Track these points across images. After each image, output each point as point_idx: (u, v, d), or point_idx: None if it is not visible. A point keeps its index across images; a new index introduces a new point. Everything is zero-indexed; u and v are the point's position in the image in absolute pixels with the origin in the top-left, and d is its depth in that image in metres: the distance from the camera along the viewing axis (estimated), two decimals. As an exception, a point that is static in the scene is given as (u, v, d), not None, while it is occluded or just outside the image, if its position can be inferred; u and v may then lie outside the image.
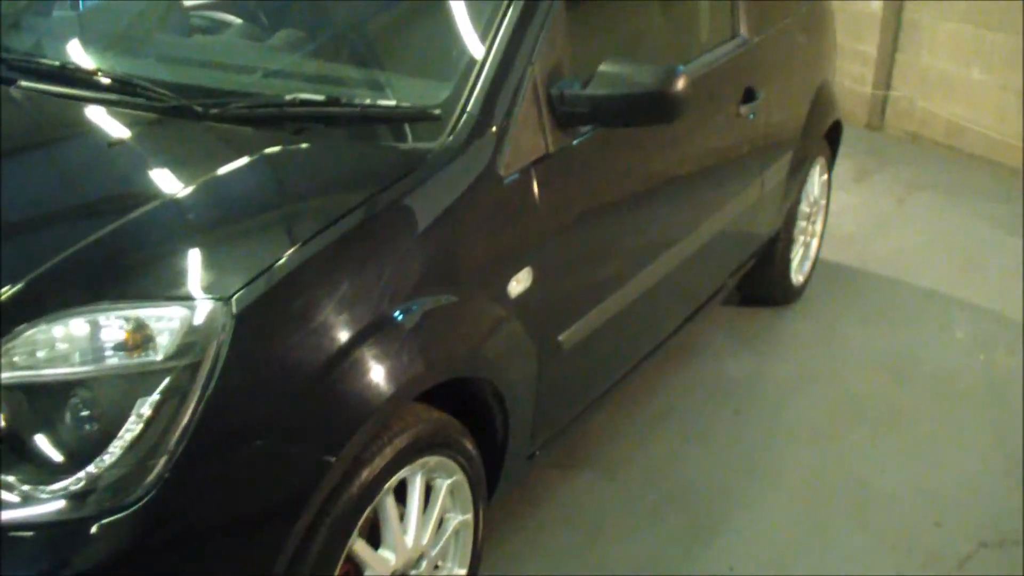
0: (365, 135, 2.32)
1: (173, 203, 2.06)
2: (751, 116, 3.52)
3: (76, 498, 1.69)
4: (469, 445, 2.32)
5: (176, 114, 2.36)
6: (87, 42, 2.78)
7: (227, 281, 1.85)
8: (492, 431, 2.45)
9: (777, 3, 3.92)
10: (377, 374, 1.98)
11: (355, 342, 1.96)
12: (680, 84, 2.44)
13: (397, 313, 2.06)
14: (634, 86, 2.43)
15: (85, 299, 1.81)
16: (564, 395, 2.76)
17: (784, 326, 4.47)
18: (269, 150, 2.24)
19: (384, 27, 2.75)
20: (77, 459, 1.72)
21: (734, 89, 3.44)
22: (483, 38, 2.45)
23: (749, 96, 3.50)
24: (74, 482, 1.70)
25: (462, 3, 2.58)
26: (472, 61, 2.41)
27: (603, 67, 2.45)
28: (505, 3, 2.49)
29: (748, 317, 4.49)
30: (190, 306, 1.80)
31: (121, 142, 2.32)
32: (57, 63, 2.59)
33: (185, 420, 1.74)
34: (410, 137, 2.30)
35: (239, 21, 2.97)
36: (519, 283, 2.36)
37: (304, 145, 2.29)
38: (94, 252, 1.91)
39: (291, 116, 2.34)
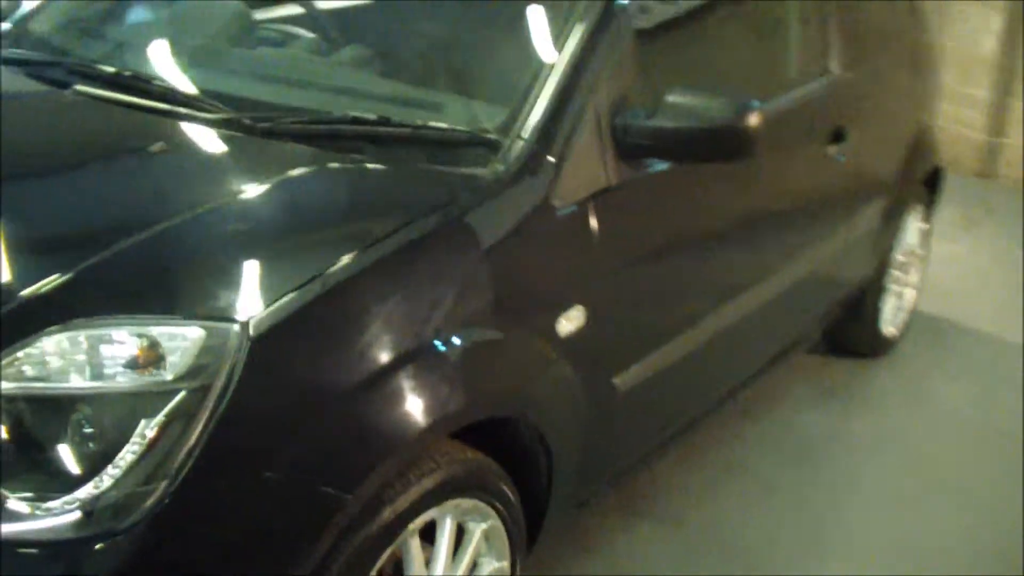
0: (415, 157, 2.23)
1: (204, 217, 1.98)
2: (839, 157, 3.35)
3: (72, 518, 1.61)
4: (507, 490, 2.19)
5: (226, 127, 2.29)
6: (150, 51, 2.73)
7: (249, 302, 1.78)
8: (536, 475, 2.32)
9: (874, 40, 3.74)
10: (403, 409, 1.88)
11: (381, 375, 1.86)
12: (754, 120, 2.31)
13: (432, 346, 1.96)
14: (702, 119, 2.30)
15: (100, 311, 1.74)
16: (618, 442, 2.62)
17: (870, 379, 4.26)
18: (311, 168, 2.16)
19: (451, 48, 2.66)
20: (76, 477, 1.64)
21: (821, 128, 3.28)
22: (545, 63, 2.34)
23: (838, 136, 3.34)
24: (71, 501, 1.62)
25: (527, 26, 2.47)
26: (531, 86, 2.30)
27: (669, 97, 2.32)
28: (570, 28, 2.38)
29: (833, 368, 4.30)
30: (206, 326, 1.72)
31: (164, 152, 2.26)
32: (113, 69, 2.54)
33: (190, 444, 1.66)
34: (461, 161, 2.20)
35: (309, 35, 2.91)
36: (570, 321, 2.23)
37: (349, 165, 2.20)
38: (116, 263, 1.84)
39: (341, 134, 2.26)
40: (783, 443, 3.71)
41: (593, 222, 2.28)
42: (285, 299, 1.78)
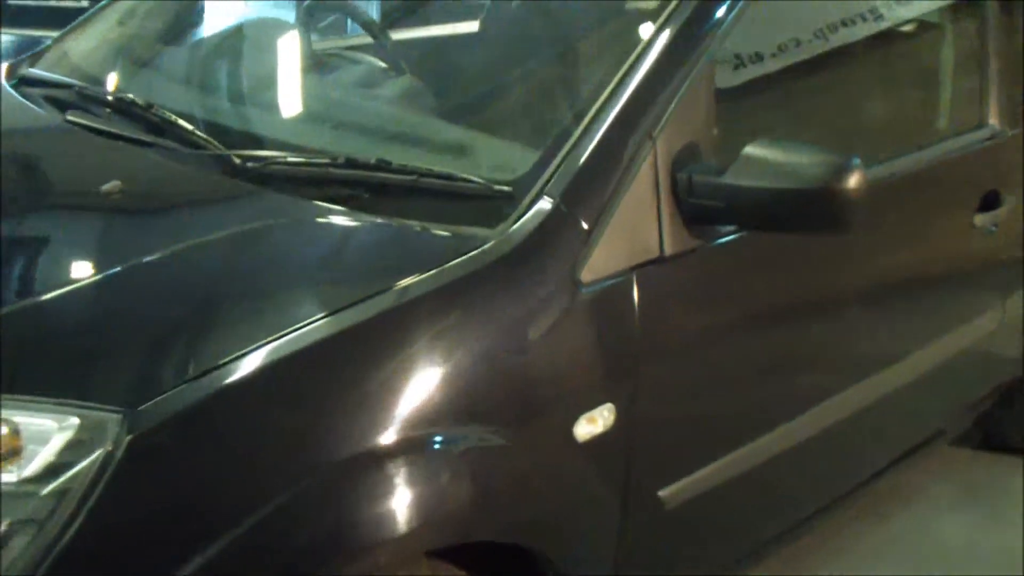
0: (418, 209, 1.84)
1: (125, 276, 1.66)
2: (991, 228, 2.81)
3: None
4: None
5: (206, 166, 1.98)
6: (176, 78, 2.49)
7: (143, 384, 1.44)
8: None
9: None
10: (339, 526, 1.52)
11: (315, 481, 1.50)
12: (852, 182, 1.84)
13: (398, 448, 1.57)
14: (787, 178, 1.85)
15: None
16: (667, 567, 2.16)
17: (1027, 482, 3.66)
18: (273, 219, 1.83)
19: (503, 82, 2.29)
20: None
21: (970, 192, 2.75)
22: (594, 98, 1.92)
23: (991, 202, 2.80)
24: None
25: (582, 53, 2.10)
26: (570, 127, 1.89)
27: (750, 149, 1.87)
28: (634, 56, 1.96)
29: (982, 464, 3.70)
30: (83, 413, 1.39)
31: (116, 193, 1.93)
32: (111, 96, 2.27)
33: (28, 564, 1.33)
34: (468, 218, 1.80)
35: (363, 65, 2.58)
36: (592, 423, 1.81)
37: (320, 217, 1.84)
38: (4, 327, 1.52)
39: (335, 178, 1.90)
40: (911, 554, 3.16)
41: (635, 300, 1.86)
42: (189, 384, 1.44)
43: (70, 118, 2.17)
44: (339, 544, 1.52)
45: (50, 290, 1.62)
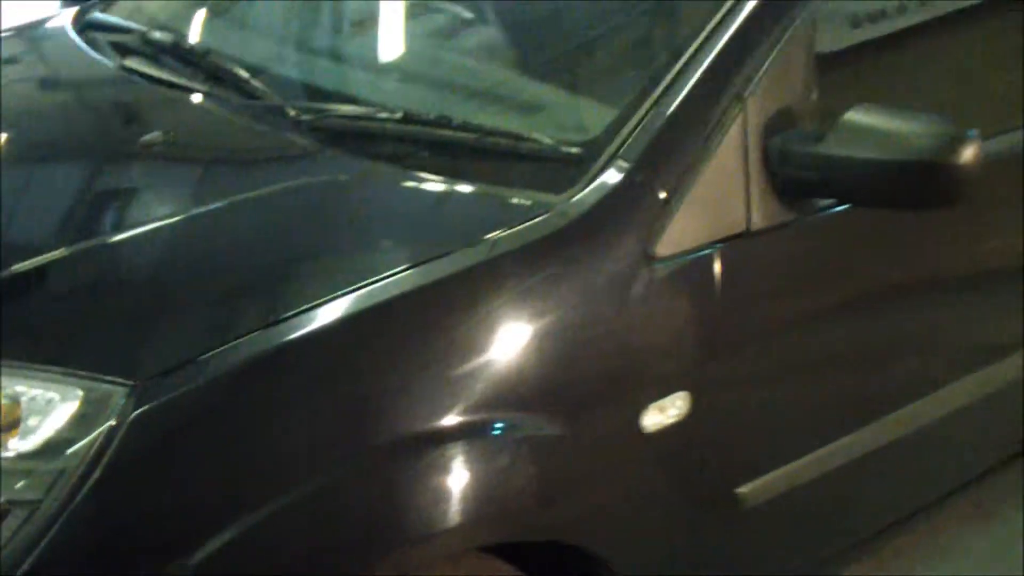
0: (473, 172, 1.69)
1: (152, 235, 1.55)
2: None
3: None
4: None
5: (267, 116, 1.85)
6: (249, 24, 2.38)
7: (160, 353, 1.32)
8: None
9: None
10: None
11: (350, 466, 1.38)
12: (967, 155, 1.64)
13: (445, 434, 1.44)
14: (892, 149, 1.65)
15: None
16: (741, 567, 1.99)
17: None
18: (323, 177, 1.70)
19: (593, 37, 2.10)
20: None
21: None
22: (678, 54, 1.74)
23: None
24: None
25: (673, 4, 1.92)
26: (651, 85, 1.71)
27: (851, 115, 1.68)
28: (723, 12, 1.77)
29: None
30: (87, 385, 1.27)
31: (155, 145, 1.80)
32: (164, 40, 2.17)
33: (21, 550, 1.22)
34: (530, 182, 1.65)
35: (462, 14, 2.43)
36: (663, 412, 1.64)
37: (374, 175, 1.71)
38: (15, 288, 1.43)
39: (391, 135, 1.76)
40: (1004, 568, 2.91)
41: (716, 278, 1.68)
42: (210, 356, 1.32)
43: (126, 64, 2.06)
44: (385, 536, 1.40)
45: (66, 248, 1.51)
